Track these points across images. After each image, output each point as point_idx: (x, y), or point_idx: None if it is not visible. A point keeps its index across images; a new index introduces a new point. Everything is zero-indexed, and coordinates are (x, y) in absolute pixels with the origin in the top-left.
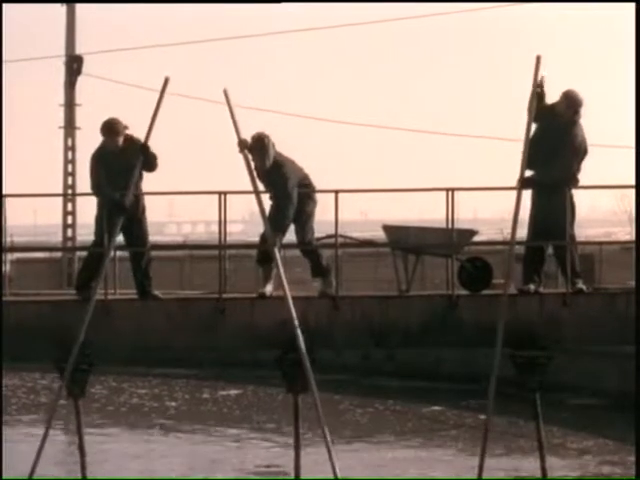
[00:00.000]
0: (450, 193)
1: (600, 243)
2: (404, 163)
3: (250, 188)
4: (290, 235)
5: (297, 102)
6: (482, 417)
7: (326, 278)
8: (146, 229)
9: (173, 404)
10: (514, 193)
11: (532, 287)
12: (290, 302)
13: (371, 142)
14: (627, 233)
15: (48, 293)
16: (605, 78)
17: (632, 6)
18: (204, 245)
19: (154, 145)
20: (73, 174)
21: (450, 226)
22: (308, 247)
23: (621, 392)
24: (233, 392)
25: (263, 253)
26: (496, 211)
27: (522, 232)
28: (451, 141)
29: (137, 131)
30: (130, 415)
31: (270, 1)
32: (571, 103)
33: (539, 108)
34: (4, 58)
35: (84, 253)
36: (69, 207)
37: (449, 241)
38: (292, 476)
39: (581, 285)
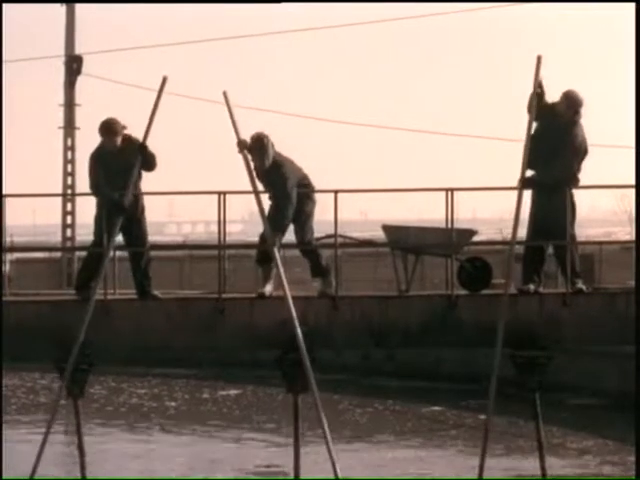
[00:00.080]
0: (449, 193)
1: (600, 243)
2: (404, 163)
3: (250, 188)
4: (290, 235)
5: (297, 102)
6: (482, 417)
7: (326, 278)
8: (145, 229)
9: (173, 404)
10: (513, 193)
11: (532, 287)
12: (290, 302)
13: (371, 142)
14: (627, 233)
15: (48, 293)
16: (605, 78)
17: (632, 6)
18: (204, 245)
19: (154, 145)
20: (72, 174)
21: (450, 226)
22: (308, 247)
23: (621, 392)
24: (233, 392)
25: (263, 253)
26: (495, 211)
27: (522, 232)
28: (451, 141)
29: (137, 131)
30: (130, 415)
31: (270, 1)
32: (571, 103)
33: (539, 108)
34: (4, 58)
35: (84, 253)
36: (68, 207)
37: (449, 241)
38: (292, 476)
39: (581, 285)
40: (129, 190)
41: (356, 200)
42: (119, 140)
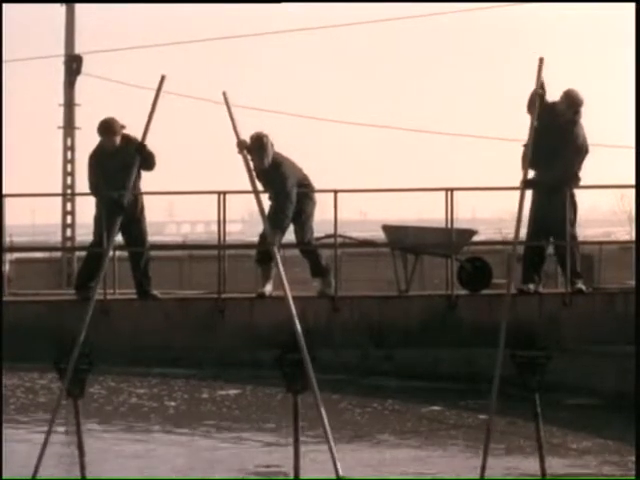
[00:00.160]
0: (449, 193)
1: (600, 243)
2: (404, 163)
3: (249, 188)
4: (289, 235)
5: (297, 102)
6: (481, 417)
7: (325, 278)
8: (145, 229)
9: (172, 404)
10: (513, 193)
11: (532, 287)
12: (291, 302)
13: (371, 142)
14: (627, 233)
15: (47, 293)
16: (605, 78)
17: (632, 6)
18: (203, 245)
19: (154, 145)
20: (72, 174)
21: (449, 226)
22: (307, 247)
23: (620, 392)
24: (232, 392)
25: (262, 253)
26: (495, 211)
27: (522, 232)
28: (451, 141)
29: (138, 131)
30: (129, 415)
31: (270, 1)
32: (572, 103)
33: (540, 107)
34: (4, 58)
35: (83, 253)
36: (68, 207)
37: (448, 241)
38: (292, 476)
39: (581, 285)
40: (128, 190)
41: (356, 200)
42: (118, 140)
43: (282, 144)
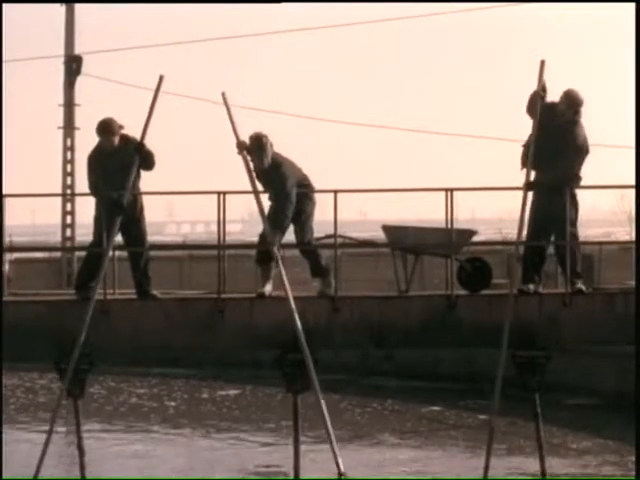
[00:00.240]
0: (449, 193)
1: (600, 243)
2: (403, 163)
3: (249, 188)
4: (289, 235)
5: (296, 102)
6: (481, 417)
7: (325, 278)
8: (144, 229)
9: (172, 404)
10: (513, 193)
11: (532, 287)
12: (292, 301)
13: (370, 142)
14: (627, 233)
15: (47, 293)
16: (605, 78)
17: (632, 6)
18: (203, 245)
19: (154, 145)
20: (72, 174)
21: (449, 226)
22: (307, 247)
23: (620, 392)
24: (232, 392)
25: (262, 253)
26: (495, 211)
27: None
28: (451, 141)
29: (137, 131)
30: (129, 415)
31: (270, 1)
32: (572, 103)
33: (540, 108)
34: (4, 58)
35: (83, 253)
36: (68, 207)
37: (448, 241)
38: (291, 476)
39: (580, 285)
40: (127, 189)
41: (356, 200)
42: (117, 140)
43: (281, 144)
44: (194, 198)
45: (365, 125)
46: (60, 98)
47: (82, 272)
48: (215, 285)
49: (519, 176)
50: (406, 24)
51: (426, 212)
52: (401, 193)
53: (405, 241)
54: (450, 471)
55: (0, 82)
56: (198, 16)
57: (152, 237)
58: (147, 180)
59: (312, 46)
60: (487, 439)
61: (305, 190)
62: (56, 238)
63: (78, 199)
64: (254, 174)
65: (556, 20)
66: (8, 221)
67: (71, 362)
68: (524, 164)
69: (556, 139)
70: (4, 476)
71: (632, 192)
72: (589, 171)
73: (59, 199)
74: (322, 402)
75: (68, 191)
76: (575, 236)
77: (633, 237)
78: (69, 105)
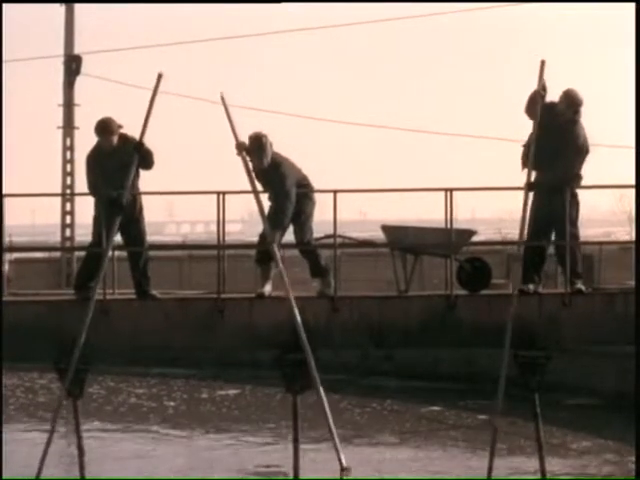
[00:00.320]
0: (449, 193)
1: (600, 243)
2: (403, 163)
3: (249, 188)
4: (289, 235)
5: (296, 102)
6: (481, 417)
7: (325, 278)
8: (144, 229)
9: (172, 404)
10: (512, 193)
11: (531, 287)
12: (292, 301)
13: (370, 142)
14: (627, 233)
15: (47, 293)
16: (605, 78)
17: (632, 6)
18: (203, 245)
19: (154, 145)
20: (72, 174)
21: (449, 226)
22: (307, 247)
23: (620, 392)
24: (232, 392)
25: (262, 253)
26: (494, 211)
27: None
28: (450, 141)
29: (137, 131)
30: (129, 415)
31: (270, 1)
32: (571, 102)
33: (540, 108)
34: (4, 58)
35: (83, 253)
36: (68, 207)
37: (448, 241)
38: (291, 476)
39: (580, 285)
40: (126, 189)
41: (355, 200)
42: (115, 139)
43: (281, 144)
44: (194, 198)
45: (365, 125)
46: (60, 98)
47: (81, 272)
48: (215, 285)
49: (519, 176)
50: (406, 24)
51: (426, 212)
52: (401, 193)
53: (405, 241)
54: (450, 471)
55: (0, 82)
56: (198, 16)
57: (152, 237)
58: (147, 180)
59: (312, 46)
60: (490, 440)
61: (305, 190)
62: (56, 238)
63: (78, 199)
64: (254, 174)
65: (556, 20)
66: (8, 221)
67: (71, 362)
68: (525, 164)
69: (556, 139)
70: (4, 476)
71: (632, 192)
72: (589, 171)
73: (59, 199)
74: (324, 398)
75: (68, 191)
76: (576, 236)
77: (633, 237)
78: (69, 105)
